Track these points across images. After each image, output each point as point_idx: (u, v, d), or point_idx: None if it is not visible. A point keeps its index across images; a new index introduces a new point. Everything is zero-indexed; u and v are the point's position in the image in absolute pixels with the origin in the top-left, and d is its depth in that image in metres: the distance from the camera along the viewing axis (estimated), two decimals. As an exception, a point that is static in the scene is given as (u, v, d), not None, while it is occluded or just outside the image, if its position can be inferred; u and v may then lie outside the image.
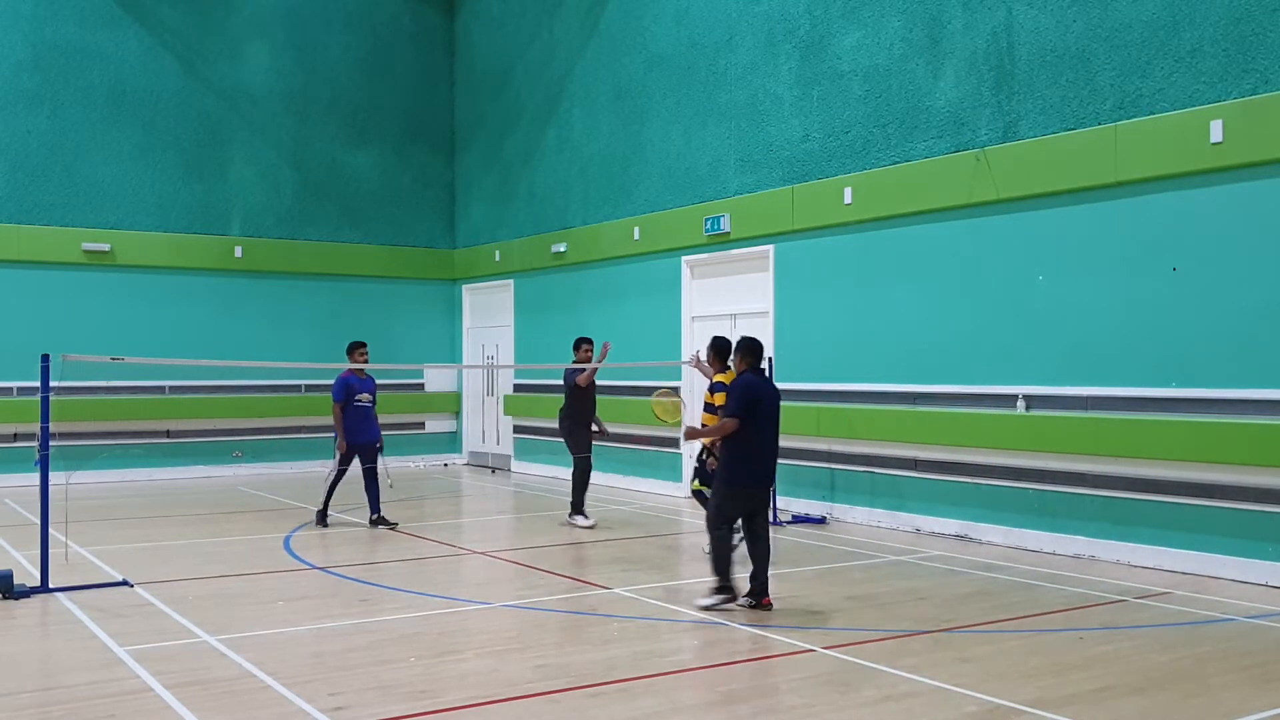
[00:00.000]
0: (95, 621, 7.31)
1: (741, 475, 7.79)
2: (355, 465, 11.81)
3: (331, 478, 11.83)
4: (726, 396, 7.97)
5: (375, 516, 11.75)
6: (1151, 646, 6.64)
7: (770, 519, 8.09)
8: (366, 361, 12.00)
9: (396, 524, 11.70)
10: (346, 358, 12.05)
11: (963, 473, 10.83)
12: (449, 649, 6.77)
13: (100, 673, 6.14)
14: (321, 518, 11.79)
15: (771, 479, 8.09)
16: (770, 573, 7.91)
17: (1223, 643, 6.77)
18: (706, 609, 7.63)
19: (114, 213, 16.72)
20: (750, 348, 8.01)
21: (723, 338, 9.82)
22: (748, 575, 7.81)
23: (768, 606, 7.63)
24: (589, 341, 12.15)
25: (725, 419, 7.76)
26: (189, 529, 11.70)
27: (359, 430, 11.80)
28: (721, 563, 7.73)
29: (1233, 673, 6.09)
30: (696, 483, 10.08)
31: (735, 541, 8.20)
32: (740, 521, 8.04)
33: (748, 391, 7.73)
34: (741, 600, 7.70)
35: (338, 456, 11.80)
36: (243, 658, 6.38)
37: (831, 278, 12.31)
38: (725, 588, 7.69)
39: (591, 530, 11.36)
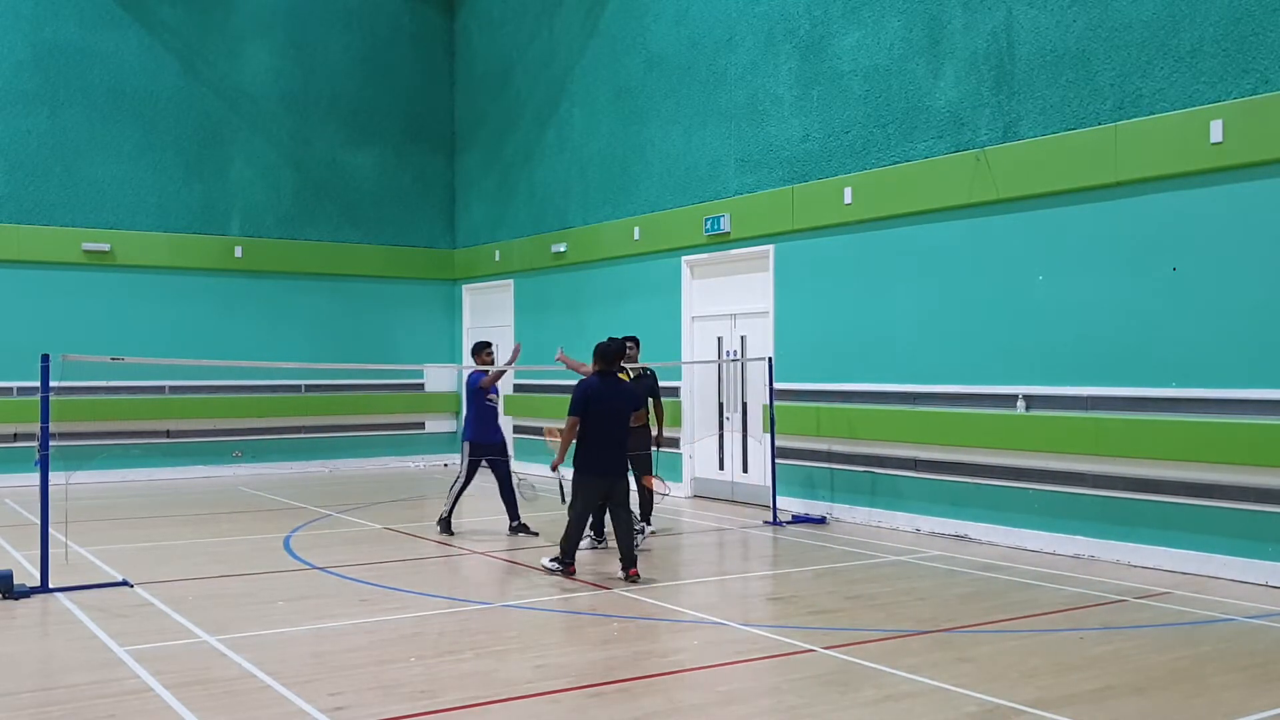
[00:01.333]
0: (95, 621, 7.31)
1: (587, 464, 8.79)
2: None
3: (460, 485, 11.24)
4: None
5: (515, 524, 11.19)
6: (1151, 646, 6.65)
7: (627, 501, 8.98)
8: (493, 362, 11.60)
9: (537, 533, 11.11)
10: (472, 358, 11.61)
11: (962, 473, 10.83)
12: (449, 649, 6.77)
13: (100, 673, 6.14)
14: (446, 525, 11.16)
15: (619, 468, 8.91)
16: (758, 569, 7.91)
17: (1223, 643, 6.77)
18: (545, 569, 8.91)
19: (114, 213, 16.73)
20: (601, 353, 9.03)
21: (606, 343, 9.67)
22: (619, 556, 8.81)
23: (635, 578, 8.60)
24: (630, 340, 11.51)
25: (567, 418, 8.86)
26: (189, 529, 11.70)
27: (489, 430, 11.30)
28: (570, 540, 8.83)
29: (1233, 673, 6.09)
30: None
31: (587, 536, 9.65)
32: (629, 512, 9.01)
33: (580, 392, 8.82)
34: (620, 574, 8.74)
35: (466, 459, 11.19)
36: (243, 658, 6.38)
37: (831, 278, 12.31)
38: (567, 561, 8.82)
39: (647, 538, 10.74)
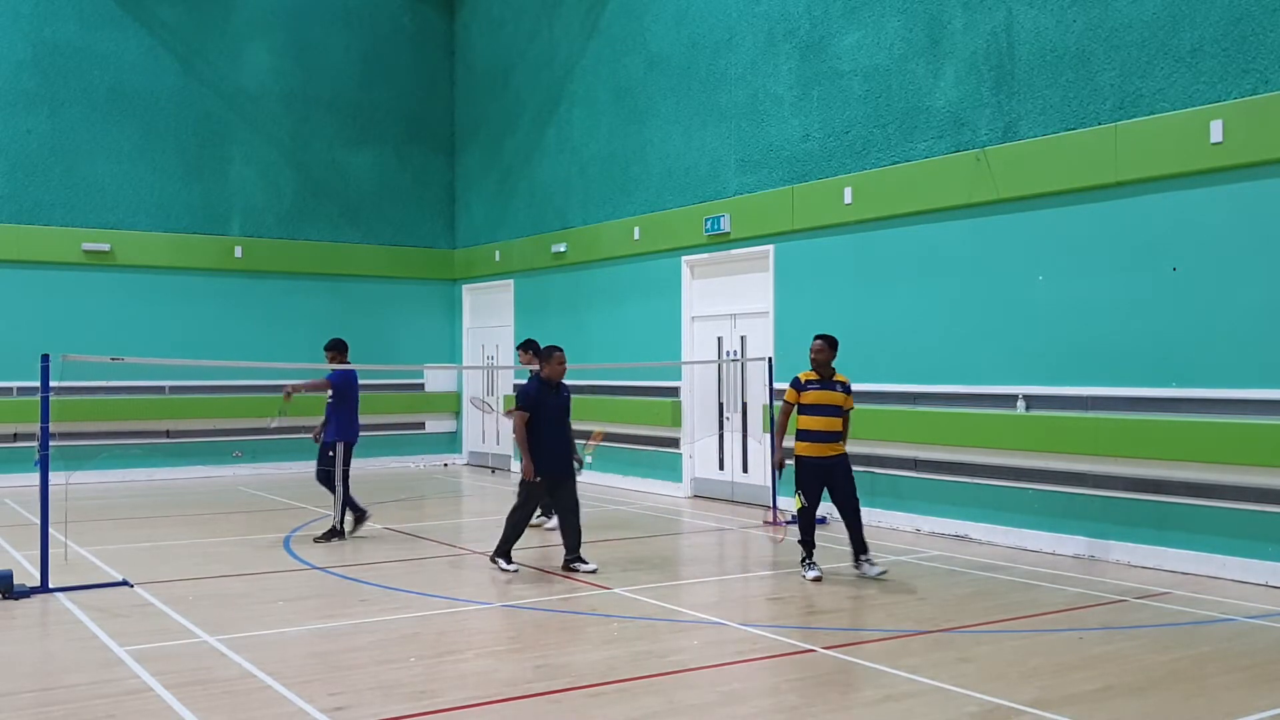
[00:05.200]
0: (95, 621, 7.31)
1: (541, 466, 9.15)
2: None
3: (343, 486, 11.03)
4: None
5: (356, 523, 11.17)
6: (1151, 646, 6.65)
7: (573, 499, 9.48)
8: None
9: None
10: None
11: (963, 473, 10.83)
12: (449, 649, 6.77)
13: (100, 673, 6.14)
14: (340, 531, 10.87)
15: (562, 469, 9.31)
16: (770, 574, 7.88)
17: (1223, 643, 6.77)
18: (507, 572, 9.10)
19: (114, 213, 16.72)
20: (537, 352, 9.93)
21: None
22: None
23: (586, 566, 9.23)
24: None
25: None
26: (189, 529, 11.70)
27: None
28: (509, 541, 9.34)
29: (1233, 673, 6.09)
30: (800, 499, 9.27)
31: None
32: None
33: (529, 394, 9.24)
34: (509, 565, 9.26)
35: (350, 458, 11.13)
36: (243, 658, 6.38)
37: (831, 278, 12.30)
38: (509, 558, 9.28)
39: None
